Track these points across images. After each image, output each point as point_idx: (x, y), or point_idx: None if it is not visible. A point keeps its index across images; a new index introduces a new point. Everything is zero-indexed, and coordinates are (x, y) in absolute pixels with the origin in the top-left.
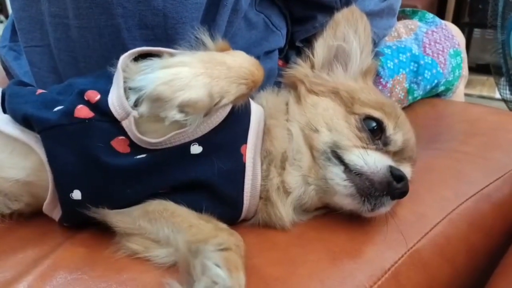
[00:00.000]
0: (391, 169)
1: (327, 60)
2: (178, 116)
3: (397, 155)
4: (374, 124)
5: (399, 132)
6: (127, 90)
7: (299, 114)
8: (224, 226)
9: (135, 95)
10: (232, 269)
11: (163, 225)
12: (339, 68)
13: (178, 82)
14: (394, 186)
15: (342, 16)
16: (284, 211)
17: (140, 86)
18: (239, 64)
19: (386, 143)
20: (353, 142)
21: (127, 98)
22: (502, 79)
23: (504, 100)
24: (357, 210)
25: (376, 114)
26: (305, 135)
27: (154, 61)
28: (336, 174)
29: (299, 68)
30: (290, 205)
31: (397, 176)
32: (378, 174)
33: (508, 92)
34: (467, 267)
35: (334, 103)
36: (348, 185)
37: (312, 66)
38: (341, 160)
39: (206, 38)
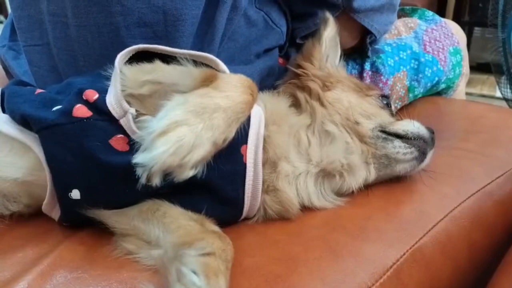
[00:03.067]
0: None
1: (327, 54)
2: (192, 173)
3: None
4: (386, 100)
5: (391, 101)
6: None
7: (329, 114)
8: (214, 228)
9: (145, 172)
10: (210, 276)
11: (154, 225)
12: (332, 61)
13: (184, 148)
14: (434, 138)
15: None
16: (292, 192)
17: (147, 164)
18: (233, 100)
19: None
20: (390, 118)
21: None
22: (503, 77)
23: (505, 99)
24: (413, 169)
25: (382, 92)
26: (348, 129)
27: (149, 127)
28: (399, 147)
29: (311, 65)
30: (313, 185)
31: (432, 130)
32: (426, 133)
33: (509, 90)
34: (469, 265)
35: (347, 93)
36: (414, 150)
37: (321, 59)
38: (395, 134)
39: (192, 68)
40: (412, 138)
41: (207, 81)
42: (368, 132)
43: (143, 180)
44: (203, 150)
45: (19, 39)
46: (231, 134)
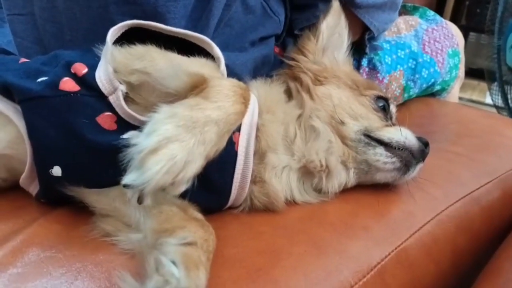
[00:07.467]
0: (418, 138)
1: (326, 46)
2: (184, 188)
3: None
4: (383, 102)
5: (393, 104)
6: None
7: (316, 109)
8: (197, 215)
9: (135, 193)
10: (190, 268)
11: (135, 208)
12: (334, 54)
13: (177, 166)
14: (426, 152)
15: (338, 5)
16: (279, 185)
17: (139, 185)
18: (225, 112)
19: (391, 117)
20: (380, 123)
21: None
22: (495, 84)
23: (495, 106)
24: (395, 180)
25: (381, 93)
26: (332, 128)
27: (137, 144)
28: (380, 155)
29: (305, 58)
30: (295, 181)
31: (425, 143)
32: (415, 145)
33: (500, 98)
34: (452, 268)
35: (341, 90)
36: (396, 161)
37: (316, 53)
38: (379, 141)
39: (182, 68)
40: (396, 148)
41: (197, 88)
42: (351, 134)
43: (134, 201)
44: (196, 165)
45: (3, 7)
46: (223, 145)
